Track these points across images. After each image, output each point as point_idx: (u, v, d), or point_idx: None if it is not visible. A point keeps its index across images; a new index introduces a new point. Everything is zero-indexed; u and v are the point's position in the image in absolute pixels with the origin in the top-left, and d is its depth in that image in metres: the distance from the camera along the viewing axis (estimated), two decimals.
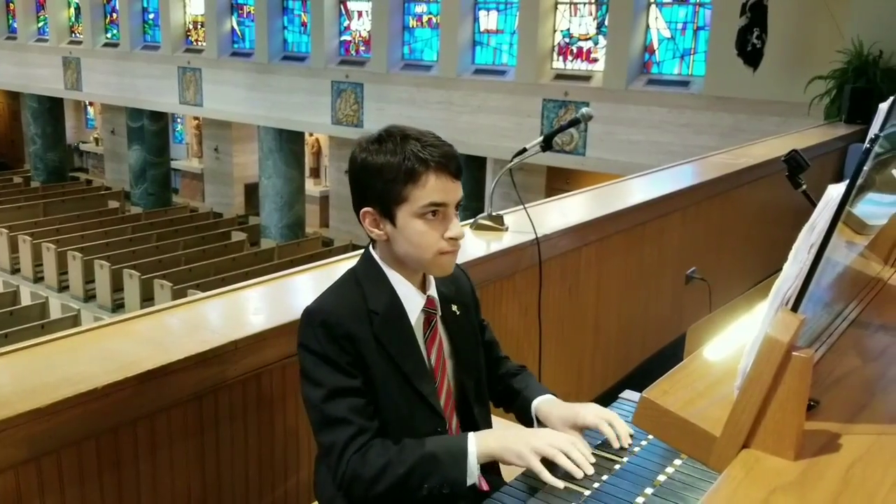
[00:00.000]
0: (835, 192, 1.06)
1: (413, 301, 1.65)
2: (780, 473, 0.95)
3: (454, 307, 1.73)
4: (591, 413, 1.62)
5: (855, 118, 7.49)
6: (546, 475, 1.42)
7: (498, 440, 1.52)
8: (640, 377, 4.30)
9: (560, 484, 1.40)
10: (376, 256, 1.66)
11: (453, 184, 1.58)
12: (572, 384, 3.77)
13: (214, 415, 2.05)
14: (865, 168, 1.10)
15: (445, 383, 1.68)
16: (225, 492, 2.11)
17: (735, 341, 1.43)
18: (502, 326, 3.16)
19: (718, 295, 4.85)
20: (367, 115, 13.40)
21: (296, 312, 2.20)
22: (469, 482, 1.48)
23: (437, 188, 1.55)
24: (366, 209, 1.61)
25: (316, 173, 18.08)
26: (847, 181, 1.06)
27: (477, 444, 1.51)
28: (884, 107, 1.29)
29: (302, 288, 2.55)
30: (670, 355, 4.67)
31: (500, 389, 1.87)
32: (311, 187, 17.30)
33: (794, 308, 1.00)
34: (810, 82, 8.14)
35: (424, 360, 1.64)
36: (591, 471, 1.42)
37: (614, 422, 1.58)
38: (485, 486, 1.61)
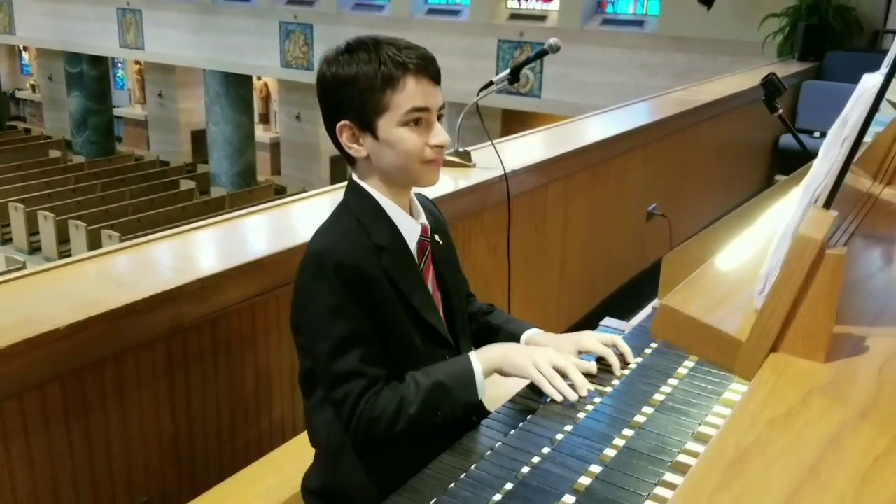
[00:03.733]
0: (870, 81, 1.02)
1: (410, 230, 1.57)
2: (812, 376, 0.92)
3: (437, 237, 1.67)
4: (592, 339, 1.61)
5: (808, 55, 7.56)
6: (547, 386, 1.43)
7: (500, 350, 1.53)
8: (605, 312, 4.33)
9: (559, 396, 1.41)
10: (365, 185, 1.56)
11: (433, 88, 1.50)
12: (539, 320, 3.74)
13: (183, 355, 1.97)
14: None
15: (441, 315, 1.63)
16: (196, 434, 2.05)
17: (746, 250, 1.39)
18: (472, 265, 3.12)
19: (678, 230, 4.89)
20: (318, 57, 13.03)
21: (258, 252, 2.14)
22: (481, 398, 1.48)
23: (418, 92, 1.46)
24: (342, 123, 1.50)
25: (265, 119, 17.67)
26: (885, 69, 1.01)
27: (481, 362, 1.50)
28: None
29: (255, 228, 2.46)
30: (633, 290, 4.71)
31: (474, 328, 1.81)
32: (262, 133, 16.91)
33: (826, 205, 0.97)
34: (764, 20, 8.16)
35: (429, 291, 1.59)
36: (584, 394, 1.43)
37: (617, 343, 1.58)
38: None
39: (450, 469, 1.25)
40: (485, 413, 1.70)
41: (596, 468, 1.14)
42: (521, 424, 1.37)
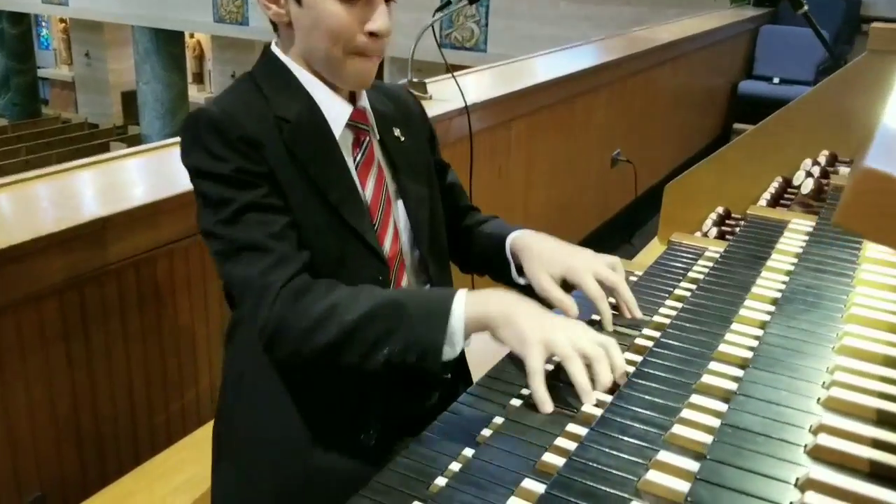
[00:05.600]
0: None
1: (335, 110, 1.19)
2: None
3: (397, 132, 1.28)
4: (587, 275, 1.19)
5: (764, 1, 7.33)
6: (540, 388, 0.97)
7: (502, 305, 1.03)
8: None
9: (549, 408, 0.95)
10: (280, 53, 1.19)
11: None
12: None
13: (81, 315, 1.58)
14: None
15: (390, 227, 1.24)
16: (103, 412, 1.66)
17: None
18: None
19: (643, 177, 4.60)
20: (253, 11, 12.39)
21: (177, 188, 1.75)
22: (448, 352, 1.03)
23: None
24: None
25: (199, 79, 16.88)
26: None
27: (466, 303, 1.03)
28: None
29: (174, 161, 2.05)
30: (597, 241, 4.41)
31: (466, 243, 1.42)
32: (196, 94, 16.12)
33: None
34: None
35: (358, 189, 1.20)
36: (592, 400, 0.95)
37: (620, 289, 1.19)
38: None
39: (433, 456, 0.89)
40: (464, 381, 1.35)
41: (672, 457, 0.75)
42: (524, 391, 1.01)
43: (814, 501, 0.59)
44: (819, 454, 0.66)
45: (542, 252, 1.25)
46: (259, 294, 1.07)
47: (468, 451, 0.91)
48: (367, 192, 1.20)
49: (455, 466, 0.89)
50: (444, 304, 1.04)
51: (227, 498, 1.26)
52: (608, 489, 0.73)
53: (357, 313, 1.04)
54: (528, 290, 1.28)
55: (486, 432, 0.94)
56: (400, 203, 1.25)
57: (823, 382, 0.79)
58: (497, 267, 1.35)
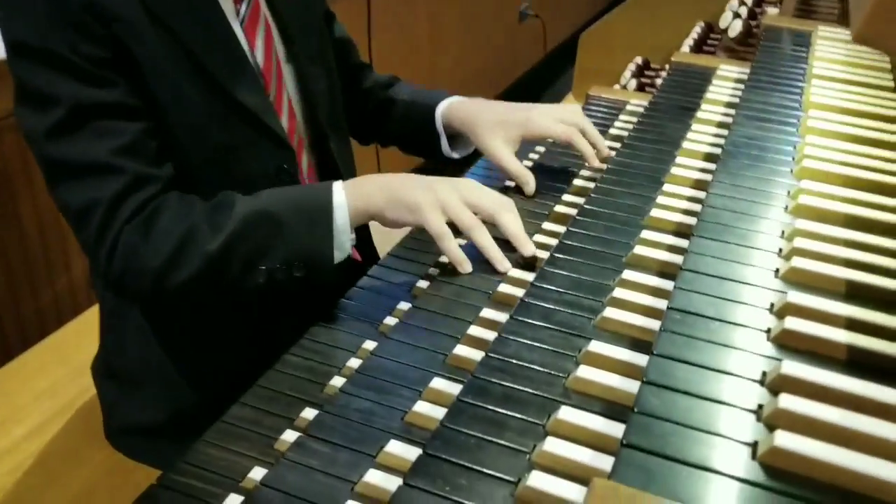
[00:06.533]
0: None
1: None
2: None
3: None
4: (552, 123, 1.05)
5: None
6: (452, 248, 0.86)
7: (383, 186, 0.90)
8: None
9: (468, 267, 0.86)
10: None
11: None
12: None
13: None
14: None
15: (284, 99, 1.05)
16: None
17: None
18: None
19: (552, 33, 4.42)
20: None
21: None
22: (337, 255, 0.89)
23: None
24: None
25: None
26: None
27: (348, 195, 0.89)
28: None
29: None
30: (509, 98, 4.25)
31: (370, 109, 1.25)
32: None
33: None
34: None
35: (246, 54, 0.99)
36: (529, 254, 0.87)
37: (587, 128, 1.07)
38: (357, 256, 1.08)
39: (328, 352, 0.76)
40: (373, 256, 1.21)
41: (606, 348, 0.64)
42: (430, 271, 0.89)
43: (790, 405, 0.48)
44: (787, 341, 0.55)
45: (493, 116, 1.10)
46: (99, 231, 0.87)
47: (369, 344, 0.79)
48: (258, 56, 1.00)
49: (355, 363, 0.77)
50: (323, 202, 0.88)
51: (126, 430, 1.09)
52: (533, 391, 0.61)
53: (222, 235, 0.86)
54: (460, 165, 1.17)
55: (391, 320, 0.82)
56: (290, 67, 1.06)
57: (780, 250, 0.68)
58: (420, 140, 1.19)
